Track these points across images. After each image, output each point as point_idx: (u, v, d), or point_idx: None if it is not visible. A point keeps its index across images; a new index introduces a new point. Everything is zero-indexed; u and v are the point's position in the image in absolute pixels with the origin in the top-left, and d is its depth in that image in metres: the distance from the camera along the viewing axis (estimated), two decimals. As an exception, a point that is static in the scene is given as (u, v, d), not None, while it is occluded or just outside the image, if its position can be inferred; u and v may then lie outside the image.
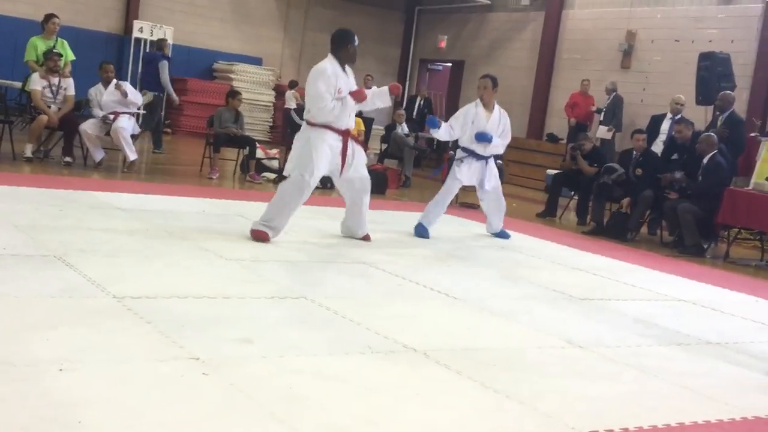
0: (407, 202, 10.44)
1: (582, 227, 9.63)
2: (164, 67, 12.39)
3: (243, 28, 18.17)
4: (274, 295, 4.39)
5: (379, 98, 6.36)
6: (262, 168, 10.56)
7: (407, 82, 19.97)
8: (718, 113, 9.86)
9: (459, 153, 7.46)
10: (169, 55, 13.43)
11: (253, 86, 17.17)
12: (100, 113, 9.21)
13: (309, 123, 6.04)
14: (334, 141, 6.01)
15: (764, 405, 3.56)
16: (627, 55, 14.90)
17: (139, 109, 10.39)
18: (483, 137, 7.22)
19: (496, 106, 7.37)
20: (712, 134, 8.97)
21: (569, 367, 3.79)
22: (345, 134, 6.05)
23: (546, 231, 8.94)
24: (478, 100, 7.35)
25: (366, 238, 6.58)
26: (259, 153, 10.62)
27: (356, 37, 6.10)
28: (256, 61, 17.96)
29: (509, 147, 13.21)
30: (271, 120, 17.54)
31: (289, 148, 11.34)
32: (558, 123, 15.74)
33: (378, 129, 16.72)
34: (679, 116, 10.08)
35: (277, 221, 6.00)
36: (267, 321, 3.87)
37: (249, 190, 9.42)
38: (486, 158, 7.41)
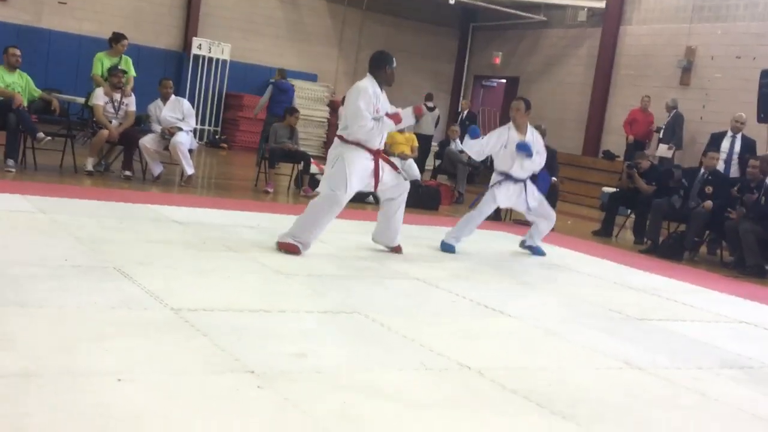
0: (460, 218, 10.38)
1: (639, 246, 9.47)
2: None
3: (299, 45, 18.39)
4: (327, 309, 4.40)
5: (405, 119, 6.34)
6: (315, 183, 10.60)
7: (461, 98, 19.95)
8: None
9: (495, 177, 7.29)
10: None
11: (308, 102, 17.34)
12: (159, 128, 9.39)
13: (342, 139, 6.06)
14: (367, 160, 6.04)
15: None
16: (686, 71, 14.68)
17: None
18: (524, 147, 7.06)
19: (529, 129, 7.25)
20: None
21: (627, 388, 3.71)
22: (376, 154, 6.09)
23: (601, 249, 8.81)
24: (511, 123, 7.24)
25: (397, 249, 6.55)
26: (313, 168, 10.70)
27: (394, 60, 6.17)
28: (312, 78, 18.16)
29: (564, 164, 13.11)
30: (325, 136, 17.68)
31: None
32: (615, 140, 15.55)
33: (432, 145, 16.74)
34: (740, 134, 9.85)
35: (306, 236, 5.98)
36: (321, 336, 3.88)
37: (303, 205, 9.41)
38: (523, 181, 7.26)
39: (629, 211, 10.58)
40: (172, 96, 9.63)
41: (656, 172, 10.21)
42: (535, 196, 7.38)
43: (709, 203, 8.78)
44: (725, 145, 10.20)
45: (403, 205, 6.50)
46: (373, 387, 3.21)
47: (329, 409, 2.92)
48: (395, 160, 11.24)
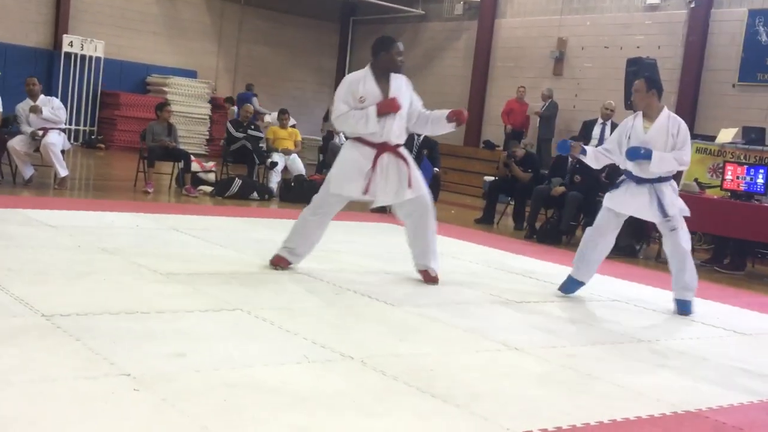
0: (344, 212, 10.41)
1: (519, 232, 9.76)
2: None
3: (176, 41, 17.99)
4: (208, 308, 4.34)
5: (436, 123, 5.64)
6: (198, 181, 10.45)
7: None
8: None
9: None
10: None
11: (188, 99, 17.01)
12: (29, 129, 9.01)
13: (346, 137, 5.69)
14: (363, 155, 5.43)
15: (693, 399, 3.64)
16: (559, 62, 15.19)
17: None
18: (634, 154, 5.54)
19: (663, 114, 5.62)
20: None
21: (505, 369, 3.83)
22: (380, 148, 5.43)
23: (483, 236, 9.03)
24: (640, 112, 5.74)
25: (427, 276, 5.76)
26: (195, 166, 10.52)
27: (394, 44, 5.48)
28: (191, 74, 17.80)
29: (446, 155, 13.32)
30: (207, 133, 17.37)
31: (225, 161, 11.34)
32: (494, 130, 15.94)
33: (315, 139, 16.74)
34: (610, 121, 10.31)
35: (297, 242, 5.65)
36: (201, 334, 3.82)
37: (185, 204, 9.31)
38: (649, 181, 5.58)
39: (509, 198, 10.88)
40: (42, 95, 9.25)
41: (532, 159, 10.54)
42: (663, 208, 5.58)
43: (559, 188, 9.14)
44: (596, 131, 10.64)
45: (427, 225, 5.69)
46: (255, 382, 3.19)
47: (209, 407, 2.88)
48: (279, 157, 11.23)
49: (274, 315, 4.29)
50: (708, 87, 12.89)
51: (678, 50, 13.27)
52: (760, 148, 9.99)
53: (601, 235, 5.77)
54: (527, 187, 9.84)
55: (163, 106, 10.49)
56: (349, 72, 20.91)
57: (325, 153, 12.83)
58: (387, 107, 5.38)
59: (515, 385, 3.59)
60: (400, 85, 5.53)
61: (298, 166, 11.50)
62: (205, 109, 17.36)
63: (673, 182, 5.62)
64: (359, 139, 5.47)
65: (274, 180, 11.06)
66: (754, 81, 12.37)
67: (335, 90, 5.68)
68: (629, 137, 5.63)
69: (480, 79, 16.59)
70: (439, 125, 5.68)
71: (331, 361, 3.61)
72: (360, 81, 5.45)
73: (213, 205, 9.59)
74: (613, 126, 10.68)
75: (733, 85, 12.58)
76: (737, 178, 8.47)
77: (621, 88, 11.73)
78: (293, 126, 12.67)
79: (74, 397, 2.83)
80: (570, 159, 9.56)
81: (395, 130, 5.47)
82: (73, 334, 3.54)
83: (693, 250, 8.48)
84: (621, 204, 5.68)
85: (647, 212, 5.65)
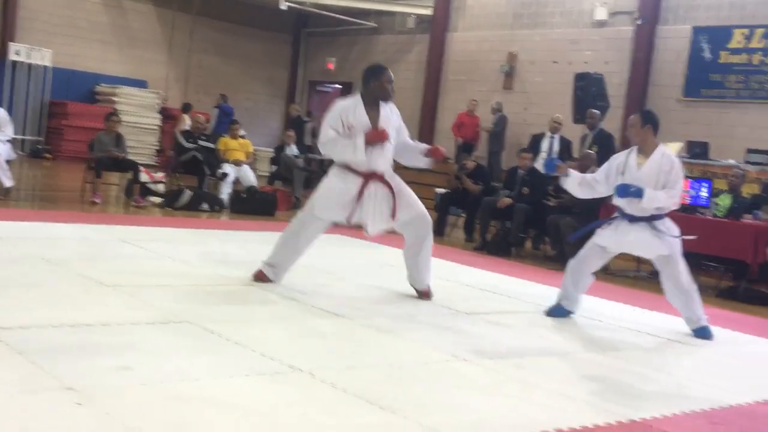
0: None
1: (470, 244, 9.83)
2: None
3: (126, 51, 17.79)
4: (155, 320, 4.28)
5: (414, 156, 5.71)
6: (147, 192, 10.32)
7: (297, 104, 19.97)
8: (588, 131, 10.34)
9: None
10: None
11: (138, 109, 16.80)
12: (-28, 139, 8.82)
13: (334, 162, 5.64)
14: (350, 183, 5.43)
15: (639, 409, 3.70)
16: (509, 76, 15.37)
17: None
18: (624, 191, 5.43)
19: (658, 151, 5.51)
20: (592, 152, 9.37)
21: (453, 380, 3.85)
22: (367, 177, 5.41)
23: (435, 248, 9.00)
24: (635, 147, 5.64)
25: (423, 294, 5.83)
26: (144, 177, 10.38)
27: (385, 73, 5.54)
28: (141, 84, 17.60)
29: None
30: (157, 143, 17.16)
31: (175, 172, 11.23)
32: (445, 143, 15.98)
33: (267, 151, 16.66)
34: (558, 134, 10.46)
35: (279, 259, 5.64)
36: (148, 347, 3.77)
37: (134, 215, 9.20)
38: (641, 219, 5.49)
39: (461, 210, 10.95)
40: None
41: (482, 171, 10.64)
42: (655, 247, 5.53)
43: (505, 200, 9.25)
44: (545, 145, 10.78)
45: (424, 247, 5.73)
46: (202, 396, 3.16)
47: (155, 421, 2.84)
48: (230, 168, 11.14)
49: (223, 327, 4.25)
50: (654, 102, 13.15)
51: (625, 66, 13.53)
52: (704, 162, 10.25)
53: (585, 266, 5.70)
54: (478, 199, 9.92)
55: (109, 115, 10.35)
56: (300, 83, 20.86)
57: (277, 164, 12.76)
58: (375, 137, 5.39)
59: (463, 396, 3.61)
60: (388, 114, 5.55)
61: (249, 177, 11.43)
62: (155, 120, 17.17)
63: (667, 220, 5.53)
64: (346, 167, 5.46)
65: (225, 191, 10.97)
66: (698, 97, 12.68)
67: (287, 102, 5.72)
68: (623, 173, 5.52)
69: (431, 92, 16.71)
70: (415, 158, 5.73)
71: (280, 374, 3.59)
72: (350, 109, 5.44)
73: (162, 216, 9.48)
74: (561, 139, 10.87)
75: (678, 101, 12.88)
76: (682, 191, 8.64)
77: (569, 102, 11.92)
78: (243, 137, 12.60)
79: (15, 412, 2.77)
80: (519, 171, 9.68)
81: (382, 160, 5.47)
82: (15, 348, 3.46)
83: (640, 262, 8.68)
84: (616, 243, 5.58)
85: (644, 250, 5.63)
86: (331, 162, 6.01)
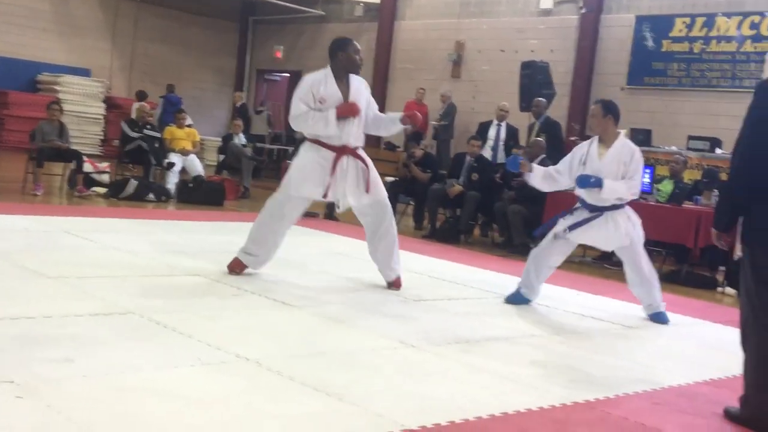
0: (246, 213, 10.32)
1: (419, 231, 9.87)
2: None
3: (68, 39, 17.39)
4: (99, 312, 4.22)
5: (389, 124, 5.70)
6: (91, 182, 10.15)
7: (245, 93, 19.79)
8: (534, 119, 10.45)
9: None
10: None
11: (81, 98, 16.44)
12: None
13: (306, 138, 5.58)
14: (322, 158, 5.42)
15: (583, 390, 3.77)
16: (457, 64, 15.42)
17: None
18: (583, 182, 5.47)
19: (619, 141, 5.57)
20: (541, 139, 9.48)
21: (401, 366, 3.86)
22: (339, 151, 5.42)
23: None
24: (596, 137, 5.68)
25: (394, 284, 5.76)
26: (88, 167, 10.21)
27: (351, 44, 5.53)
28: (84, 73, 17.23)
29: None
30: (102, 133, 16.83)
31: (120, 162, 11.06)
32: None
33: (215, 140, 16.51)
34: (504, 122, 10.55)
35: (258, 245, 5.57)
36: (91, 339, 3.71)
37: (77, 206, 9.03)
38: (602, 209, 5.51)
39: (410, 198, 10.99)
40: None
41: (431, 159, 10.68)
42: (616, 237, 5.57)
43: (456, 188, 9.32)
44: (492, 133, 10.87)
45: (389, 232, 5.67)
46: (146, 387, 3.12)
47: (98, 413, 2.80)
48: (176, 158, 11.01)
49: (168, 318, 4.20)
50: (598, 90, 13.33)
51: (570, 54, 13.68)
52: (647, 148, 10.42)
53: (547, 255, 5.72)
54: (426, 187, 9.96)
55: (51, 105, 10.14)
56: (248, 72, 20.65)
57: (225, 153, 12.64)
58: (347, 111, 5.39)
59: (411, 381, 3.63)
60: (359, 88, 5.55)
61: (196, 166, 11.32)
62: (99, 109, 16.82)
63: (629, 209, 5.59)
64: (318, 142, 5.45)
65: (172, 181, 10.84)
66: (641, 85, 12.88)
67: (234, 90, 5.69)
68: (584, 163, 5.54)
69: (380, 80, 16.68)
70: (392, 127, 5.75)
71: (226, 363, 3.57)
72: (321, 82, 5.42)
73: (107, 206, 9.32)
74: (508, 127, 10.97)
75: (622, 89, 13.06)
76: (625, 177, 8.78)
77: (516, 90, 12.00)
78: (191, 126, 12.46)
79: (-48, 406, 2.71)
80: (468, 158, 9.73)
81: (354, 133, 5.48)
82: (-48, 342, 3.39)
83: (585, 247, 8.82)
84: (577, 235, 5.60)
85: (605, 242, 5.68)
86: (286, 148, 5.91)
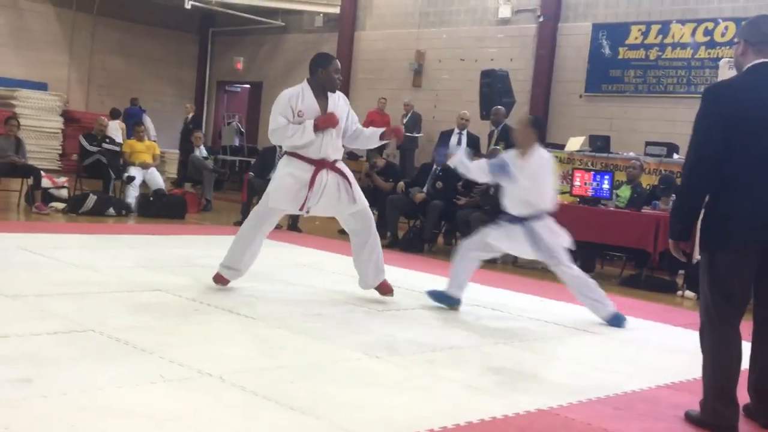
0: (208, 225, 10.26)
1: (382, 241, 9.85)
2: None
3: (24, 53, 17.16)
4: (58, 330, 4.15)
5: (370, 139, 5.84)
6: (50, 198, 10.01)
7: (205, 106, 19.68)
8: (494, 127, 10.55)
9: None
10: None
11: (39, 113, 16.24)
12: None
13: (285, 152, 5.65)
14: (301, 171, 5.47)
15: (545, 398, 3.79)
16: (418, 74, 15.51)
17: None
18: (496, 168, 5.61)
19: (537, 153, 5.63)
20: (499, 147, 9.59)
21: (364, 378, 3.86)
22: (318, 164, 5.47)
23: (347, 247, 9.05)
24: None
25: (382, 287, 5.83)
26: (46, 182, 10.07)
27: (332, 62, 5.64)
28: (41, 87, 17.02)
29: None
30: (60, 147, 16.64)
31: (79, 176, 10.92)
32: (356, 141, 16.06)
33: (175, 153, 16.40)
34: (465, 131, 10.62)
35: (235, 260, 5.63)
36: (49, 358, 3.65)
37: (35, 222, 8.90)
38: (521, 220, 5.60)
39: (373, 208, 10.99)
40: None
41: (393, 169, 10.70)
42: (541, 247, 5.64)
43: (419, 195, 9.36)
44: (453, 141, 10.93)
45: (373, 241, 5.78)
46: (107, 406, 3.08)
47: (56, 433, 2.76)
48: (136, 171, 10.90)
49: (129, 335, 4.15)
50: (557, 98, 13.50)
51: (529, 63, 13.83)
52: (605, 155, 10.56)
53: (473, 253, 5.82)
54: (389, 196, 9.98)
55: (9, 120, 9.99)
56: (208, 83, 20.54)
57: (185, 167, 12.55)
58: (325, 122, 5.44)
59: (375, 393, 3.63)
60: (337, 101, 5.61)
61: (156, 180, 11.22)
62: (57, 123, 16.63)
63: (549, 220, 5.65)
64: (296, 155, 5.48)
65: (132, 195, 10.73)
66: (599, 92, 13.06)
67: (195, 102, 5.72)
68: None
69: (341, 90, 16.59)
70: (371, 141, 5.89)
71: (189, 379, 3.54)
72: (298, 96, 5.47)
73: (66, 222, 9.20)
74: (469, 135, 11.05)
75: (580, 96, 13.24)
76: (585, 183, 8.91)
77: (476, 99, 12.10)
78: (153, 139, 12.36)
79: None
80: (434, 166, 9.77)
81: (333, 145, 5.52)
82: None
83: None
84: (497, 239, 5.71)
85: (523, 251, 5.81)
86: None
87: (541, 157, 5.64)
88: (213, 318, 4.86)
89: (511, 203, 5.62)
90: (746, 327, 3.58)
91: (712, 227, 3.53)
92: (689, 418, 3.66)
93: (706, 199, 3.55)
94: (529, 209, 5.54)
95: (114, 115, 15.80)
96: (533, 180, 5.52)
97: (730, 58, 9.46)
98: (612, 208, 8.62)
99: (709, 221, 3.55)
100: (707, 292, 3.54)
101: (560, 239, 5.68)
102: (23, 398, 3.07)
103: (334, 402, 3.42)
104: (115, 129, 14.94)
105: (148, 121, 16.09)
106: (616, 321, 5.76)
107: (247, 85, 19.81)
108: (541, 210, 5.59)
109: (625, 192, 9.00)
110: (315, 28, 17.56)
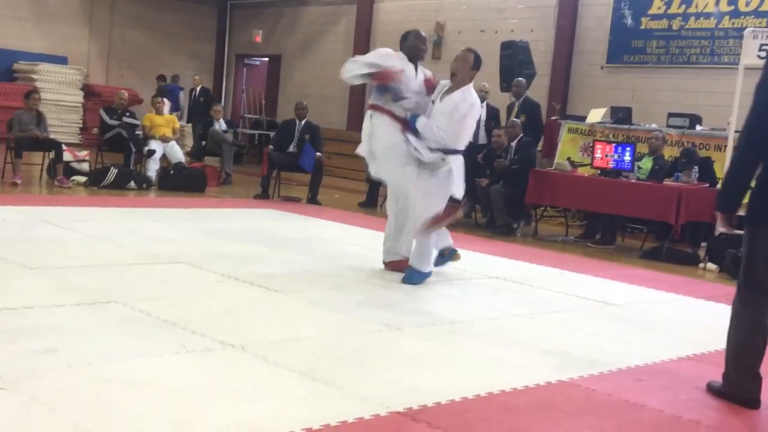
0: (228, 199, 10.30)
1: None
2: None
3: (45, 27, 17.19)
4: (81, 301, 4.19)
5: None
6: (71, 171, 10.06)
7: (224, 78, 19.67)
8: (514, 99, 10.45)
9: None
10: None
11: (59, 86, 16.29)
12: None
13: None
14: (394, 129, 5.67)
15: (566, 369, 3.79)
16: (437, 46, 15.36)
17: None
18: (413, 120, 5.61)
19: (465, 89, 5.62)
20: (518, 120, 9.52)
21: (385, 349, 3.88)
22: (403, 123, 5.63)
23: (367, 220, 9.08)
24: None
25: (403, 263, 5.76)
26: (68, 156, 10.12)
27: (412, 35, 6.02)
28: (62, 61, 17.06)
29: (330, 140, 13.29)
30: (80, 121, 16.71)
31: (100, 150, 10.96)
32: (376, 114, 16.00)
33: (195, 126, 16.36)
34: (485, 103, 10.53)
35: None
36: (73, 329, 3.69)
37: (57, 195, 8.96)
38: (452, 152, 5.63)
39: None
40: None
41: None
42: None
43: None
44: (473, 113, 10.83)
45: (413, 208, 5.69)
46: (129, 376, 3.11)
47: (81, 403, 2.79)
48: (156, 145, 10.93)
49: (152, 306, 4.19)
50: (578, 69, 13.34)
51: (550, 34, 13.66)
52: (627, 126, 10.46)
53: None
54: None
55: (29, 93, 10.03)
56: (228, 56, 20.42)
57: (205, 140, 12.56)
58: (383, 76, 5.68)
59: (395, 364, 3.64)
60: (420, 75, 5.82)
61: (176, 153, 11.24)
62: (78, 97, 16.68)
63: (459, 160, 5.65)
64: (385, 111, 5.71)
65: (152, 168, 10.77)
66: (621, 63, 12.89)
67: (214, 76, 5.81)
68: (433, 102, 5.68)
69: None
70: None
71: (211, 350, 3.56)
72: (387, 55, 5.86)
73: (87, 195, 9.26)
74: (489, 107, 10.96)
75: (602, 67, 13.07)
76: (606, 156, 8.83)
77: (496, 71, 11.98)
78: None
79: (-67, 401, 2.69)
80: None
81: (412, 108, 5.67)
82: (-68, 336, 3.36)
83: (568, 227, 8.87)
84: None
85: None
86: None
87: (464, 100, 5.51)
88: (234, 290, 4.88)
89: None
90: None
91: (759, 203, 3.44)
92: (711, 389, 3.64)
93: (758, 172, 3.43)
94: (430, 140, 5.49)
95: (161, 92, 15.80)
96: (448, 117, 5.44)
97: (755, 27, 9.31)
98: (633, 180, 8.55)
99: (757, 195, 3.45)
100: (746, 265, 3.49)
101: (448, 185, 5.61)
102: (48, 368, 3.11)
103: (355, 373, 3.44)
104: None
105: (182, 98, 16.13)
106: (409, 277, 5.56)
107: (266, 59, 19.75)
108: (451, 148, 5.54)
109: (646, 164, 8.92)
110: (333, 1, 17.44)
